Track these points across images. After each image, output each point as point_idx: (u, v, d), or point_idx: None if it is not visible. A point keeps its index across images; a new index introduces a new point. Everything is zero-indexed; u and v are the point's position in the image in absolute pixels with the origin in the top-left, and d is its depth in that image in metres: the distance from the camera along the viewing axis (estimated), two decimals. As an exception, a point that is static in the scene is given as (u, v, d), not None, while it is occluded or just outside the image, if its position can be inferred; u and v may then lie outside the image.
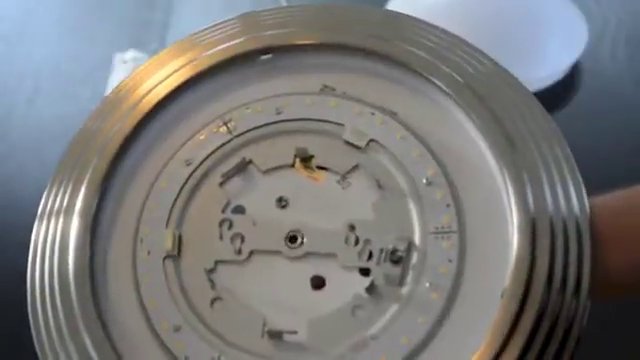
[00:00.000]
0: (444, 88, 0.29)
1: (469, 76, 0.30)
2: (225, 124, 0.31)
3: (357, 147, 0.30)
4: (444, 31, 0.31)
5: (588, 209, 0.27)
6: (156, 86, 0.32)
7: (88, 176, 0.30)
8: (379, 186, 0.29)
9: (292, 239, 0.29)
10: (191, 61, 0.32)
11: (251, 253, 0.29)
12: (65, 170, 0.31)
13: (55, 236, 0.29)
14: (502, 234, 0.27)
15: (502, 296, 0.26)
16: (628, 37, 0.77)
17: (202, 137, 0.31)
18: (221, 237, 0.29)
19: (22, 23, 0.86)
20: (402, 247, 0.28)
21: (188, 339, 0.28)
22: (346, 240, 0.29)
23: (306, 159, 0.30)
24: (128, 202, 0.30)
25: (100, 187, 0.30)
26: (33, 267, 0.29)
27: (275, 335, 0.27)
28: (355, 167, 0.30)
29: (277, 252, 0.29)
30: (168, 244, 0.29)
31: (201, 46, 0.32)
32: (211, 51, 0.32)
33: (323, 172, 0.30)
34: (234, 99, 0.32)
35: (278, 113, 0.31)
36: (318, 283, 0.28)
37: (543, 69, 0.69)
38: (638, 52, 0.76)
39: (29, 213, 0.31)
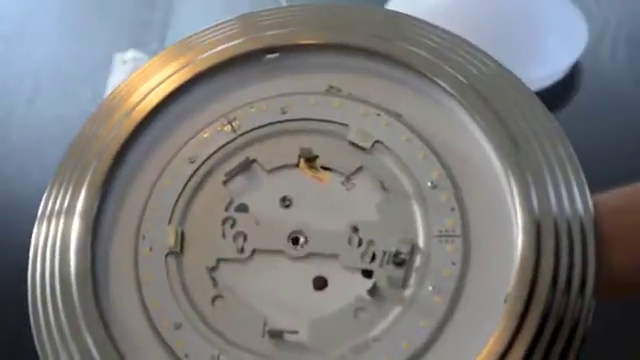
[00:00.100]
0: (448, 89, 0.29)
1: (473, 77, 0.30)
2: (229, 123, 0.31)
3: (362, 148, 0.30)
4: (446, 31, 0.31)
5: (592, 209, 0.27)
6: (157, 86, 0.32)
7: (88, 178, 0.30)
8: (383, 188, 0.29)
9: (295, 239, 0.29)
10: (194, 60, 0.32)
11: (253, 252, 0.29)
12: (65, 172, 0.31)
13: (56, 238, 0.29)
14: (506, 236, 0.27)
15: (505, 301, 0.25)
16: (628, 37, 0.77)
17: (206, 135, 0.31)
18: (224, 235, 0.29)
19: (22, 23, 0.86)
20: (405, 250, 0.28)
21: (188, 337, 0.28)
22: (349, 241, 0.29)
23: (311, 159, 0.30)
24: (129, 202, 0.30)
25: (101, 189, 0.30)
26: (34, 268, 0.29)
27: (276, 335, 0.27)
28: (359, 168, 0.30)
29: (280, 252, 0.29)
30: (170, 240, 0.29)
31: (204, 45, 0.32)
32: (215, 50, 0.32)
33: (327, 173, 0.30)
34: (239, 98, 0.32)
35: (283, 112, 0.31)
36: (320, 284, 0.28)
37: (543, 69, 0.69)
38: (638, 52, 0.76)
39: (29, 214, 0.31)
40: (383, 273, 0.28)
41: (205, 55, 0.32)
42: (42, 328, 0.28)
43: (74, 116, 0.74)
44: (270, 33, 0.32)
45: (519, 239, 0.26)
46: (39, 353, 0.28)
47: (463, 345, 0.26)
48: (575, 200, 0.27)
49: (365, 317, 0.27)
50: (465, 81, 0.29)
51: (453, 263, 0.27)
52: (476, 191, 0.29)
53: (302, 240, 0.29)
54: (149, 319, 0.28)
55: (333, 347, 0.27)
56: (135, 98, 0.32)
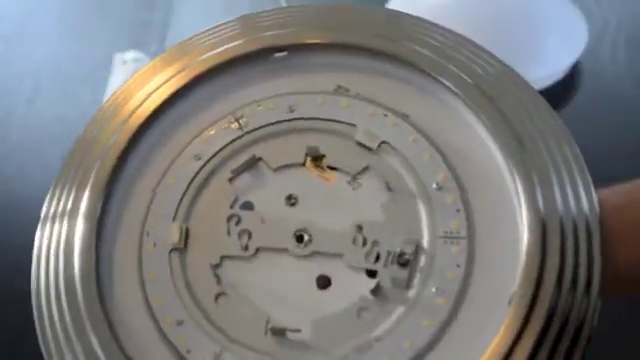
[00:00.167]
0: (453, 89, 0.30)
1: (478, 76, 0.30)
2: (237, 120, 0.31)
3: (369, 148, 0.30)
4: (450, 31, 0.31)
5: (598, 209, 0.27)
6: (162, 85, 0.32)
7: (92, 179, 0.30)
8: (389, 188, 0.29)
9: (299, 237, 0.29)
10: (198, 60, 0.32)
11: (258, 250, 0.29)
12: (68, 174, 0.31)
13: (60, 239, 0.29)
14: (512, 237, 0.27)
15: (509, 302, 0.25)
16: (628, 38, 0.77)
17: (212, 133, 0.31)
18: (228, 233, 0.30)
19: (22, 23, 0.86)
20: (410, 250, 0.28)
21: (191, 334, 0.28)
22: (354, 241, 0.29)
23: (317, 158, 0.30)
24: (133, 201, 0.30)
25: (104, 190, 0.30)
26: (38, 270, 0.29)
27: (278, 333, 0.27)
28: (366, 168, 0.30)
29: (284, 250, 0.29)
30: (175, 237, 0.29)
31: (207, 45, 0.33)
32: (219, 49, 0.32)
33: (334, 172, 0.30)
34: (246, 96, 0.32)
35: (290, 111, 0.31)
36: (324, 283, 0.29)
37: (543, 69, 0.69)
38: (638, 53, 0.76)
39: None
40: (387, 273, 0.28)
41: (210, 54, 0.32)
42: (47, 329, 0.28)
43: (74, 116, 0.74)
44: (274, 33, 0.32)
45: (524, 239, 0.26)
46: (44, 354, 0.28)
47: (466, 346, 0.26)
48: (581, 200, 0.27)
49: (368, 317, 0.27)
50: (470, 80, 0.29)
51: (457, 265, 0.27)
52: (482, 192, 0.29)
53: (306, 238, 0.29)
54: (152, 316, 0.28)
55: (335, 346, 0.27)
56: (138, 98, 0.32)
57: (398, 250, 0.28)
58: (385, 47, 0.31)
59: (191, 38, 0.33)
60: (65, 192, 0.30)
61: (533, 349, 0.25)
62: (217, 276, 0.29)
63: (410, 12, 0.33)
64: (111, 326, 0.27)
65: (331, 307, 0.28)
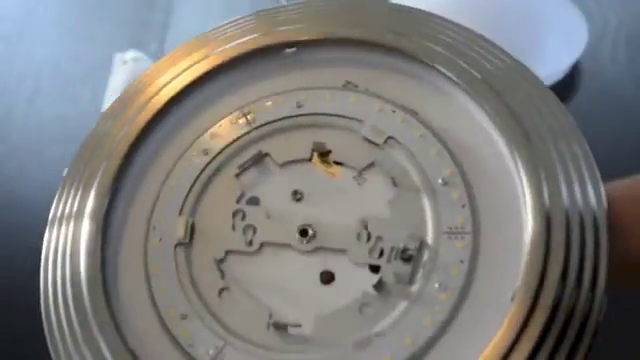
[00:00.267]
0: (462, 84, 0.29)
1: (487, 72, 0.30)
2: (244, 116, 0.31)
3: (375, 144, 0.30)
4: (460, 26, 0.31)
5: (606, 205, 0.27)
6: (173, 80, 0.32)
7: (98, 178, 0.30)
8: (395, 184, 0.29)
9: (303, 232, 0.29)
10: (209, 54, 0.32)
11: (262, 245, 0.29)
12: (76, 173, 0.31)
13: (66, 241, 0.29)
14: (517, 232, 0.27)
15: (512, 299, 0.25)
16: (628, 38, 0.77)
17: (221, 128, 0.31)
18: (234, 227, 0.30)
19: (22, 23, 0.86)
20: (413, 246, 0.28)
21: (194, 327, 0.28)
22: (358, 236, 0.29)
23: (324, 154, 0.30)
24: (140, 197, 0.31)
25: (111, 187, 0.30)
26: (46, 273, 0.29)
27: (280, 327, 0.27)
28: (372, 164, 0.30)
29: (288, 245, 0.29)
30: (180, 231, 0.29)
31: (220, 40, 0.33)
32: (231, 44, 0.32)
33: (340, 167, 0.30)
34: (254, 92, 0.32)
35: (299, 106, 0.31)
36: (327, 278, 0.29)
37: (543, 69, 0.69)
38: (638, 53, 0.76)
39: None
40: (390, 268, 0.28)
41: (221, 49, 0.32)
42: (55, 332, 0.28)
43: (74, 116, 0.74)
44: (287, 28, 0.32)
45: (529, 233, 0.26)
46: (52, 356, 0.28)
47: (468, 341, 0.26)
48: (588, 196, 0.27)
49: (370, 312, 0.27)
50: (479, 76, 0.29)
51: (461, 261, 0.27)
52: (487, 188, 0.28)
53: (310, 233, 0.29)
54: (156, 310, 0.28)
55: (337, 342, 0.27)
56: (150, 91, 0.32)
57: (402, 246, 0.28)
58: (395, 43, 0.31)
59: (205, 34, 0.33)
60: (72, 192, 0.30)
61: (536, 344, 0.25)
62: (221, 271, 0.29)
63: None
64: (118, 327, 0.27)
65: (334, 302, 0.28)
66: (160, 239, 0.29)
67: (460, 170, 0.29)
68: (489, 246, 0.27)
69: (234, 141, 0.31)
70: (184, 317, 0.28)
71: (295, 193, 0.30)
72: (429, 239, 0.28)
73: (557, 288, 0.25)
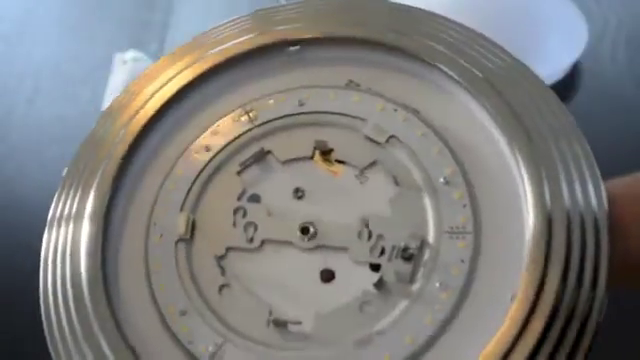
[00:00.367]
0: (463, 83, 0.30)
1: (488, 71, 0.30)
2: (247, 113, 0.31)
3: (377, 143, 0.30)
4: (462, 25, 0.31)
5: (607, 205, 0.27)
6: (173, 78, 0.32)
7: (99, 175, 0.30)
8: (396, 182, 0.29)
9: (304, 230, 0.29)
10: (210, 53, 0.32)
11: (263, 242, 0.29)
12: (75, 173, 0.31)
13: (66, 241, 0.29)
14: (518, 232, 0.27)
15: (512, 299, 0.25)
16: (628, 38, 0.77)
17: (223, 125, 0.31)
18: (234, 224, 0.30)
19: (22, 23, 0.86)
20: (414, 245, 0.28)
21: (194, 324, 0.28)
22: (359, 235, 0.29)
23: (325, 152, 0.30)
24: (141, 194, 0.31)
25: (112, 185, 0.30)
26: (45, 272, 0.29)
27: (280, 325, 0.27)
28: (374, 163, 0.30)
29: (289, 243, 0.29)
30: (181, 227, 0.29)
31: (220, 39, 0.33)
32: (232, 42, 0.32)
33: (341, 166, 0.30)
34: (257, 90, 0.32)
35: (301, 105, 0.31)
36: (328, 276, 0.29)
37: (543, 69, 0.69)
38: (638, 53, 0.76)
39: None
40: (391, 267, 0.28)
41: (219, 48, 0.32)
42: (55, 332, 0.28)
43: (74, 116, 0.74)
44: (286, 27, 0.32)
45: (530, 234, 0.26)
46: (52, 356, 0.28)
47: (468, 341, 0.26)
48: (589, 195, 0.27)
49: (371, 311, 0.27)
50: (480, 75, 0.29)
51: (462, 260, 0.27)
52: (489, 188, 0.29)
53: (311, 231, 0.29)
54: (156, 306, 0.28)
55: (337, 340, 0.27)
56: (150, 90, 0.32)
57: (403, 244, 0.28)
58: (396, 42, 0.31)
59: (203, 33, 0.33)
60: (72, 192, 0.30)
61: (536, 344, 0.25)
62: (222, 267, 0.29)
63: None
64: (118, 325, 0.27)
65: (334, 300, 0.28)
66: (161, 235, 0.30)
67: (461, 169, 0.29)
68: (490, 245, 0.27)
69: (236, 138, 0.31)
70: (184, 313, 0.28)
71: (296, 191, 0.30)
72: (430, 238, 0.28)
73: (558, 288, 0.25)
